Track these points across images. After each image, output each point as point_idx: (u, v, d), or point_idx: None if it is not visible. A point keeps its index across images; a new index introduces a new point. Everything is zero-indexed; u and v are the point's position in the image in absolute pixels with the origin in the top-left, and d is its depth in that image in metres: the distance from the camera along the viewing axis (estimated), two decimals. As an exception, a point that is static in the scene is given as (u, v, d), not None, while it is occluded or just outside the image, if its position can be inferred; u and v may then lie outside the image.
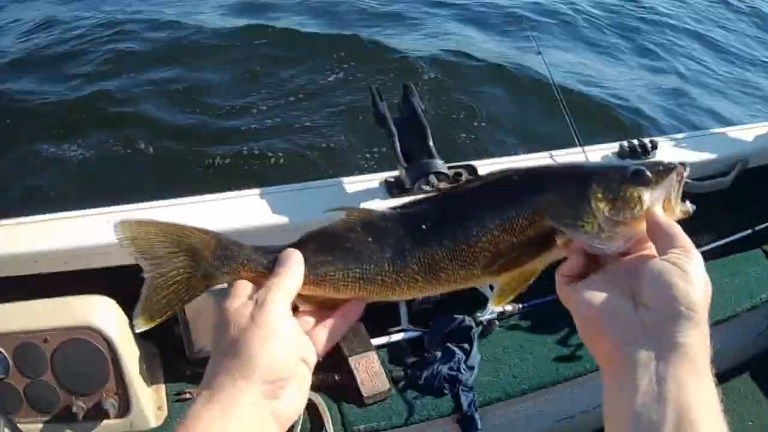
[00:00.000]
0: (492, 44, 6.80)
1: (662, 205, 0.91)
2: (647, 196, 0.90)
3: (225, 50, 5.97)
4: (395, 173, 2.44)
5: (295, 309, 0.95)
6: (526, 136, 5.01)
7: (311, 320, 0.95)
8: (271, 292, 0.88)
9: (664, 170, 0.91)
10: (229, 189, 2.45)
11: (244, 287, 0.92)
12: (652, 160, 1.00)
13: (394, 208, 0.96)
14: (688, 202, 0.92)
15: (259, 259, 0.94)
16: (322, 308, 0.98)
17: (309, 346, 0.92)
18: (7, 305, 1.96)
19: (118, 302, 2.11)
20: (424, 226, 0.95)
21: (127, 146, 4.67)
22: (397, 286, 0.95)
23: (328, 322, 0.96)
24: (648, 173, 0.90)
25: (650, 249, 0.90)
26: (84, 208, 2.26)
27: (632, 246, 0.91)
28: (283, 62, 5.85)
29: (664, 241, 0.86)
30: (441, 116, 5.03)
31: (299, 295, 0.94)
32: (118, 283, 2.14)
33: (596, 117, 5.50)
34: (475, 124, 5.22)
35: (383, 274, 0.94)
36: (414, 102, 2.44)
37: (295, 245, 0.96)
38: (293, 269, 0.92)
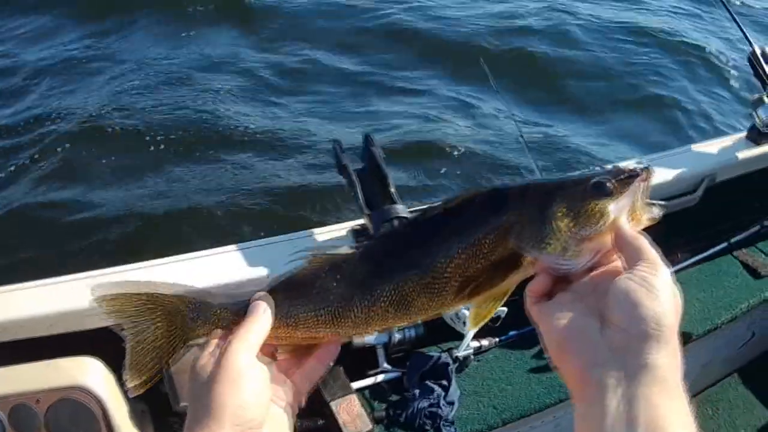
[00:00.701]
0: (448, 83, 7.22)
1: (628, 215, 0.93)
2: (611, 208, 0.91)
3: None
4: (361, 221, 2.71)
5: (274, 356, 1.07)
6: (489, 172, 5.34)
7: (289, 366, 1.06)
8: (236, 339, 0.98)
9: (626, 178, 0.93)
10: (197, 248, 2.68)
11: (215, 340, 1.04)
12: (615, 165, 0.99)
13: (359, 245, 1.04)
14: (656, 207, 0.95)
15: (226, 314, 1.05)
16: (299, 353, 1.07)
17: (286, 390, 1.03)
18: (1, 369, 2.21)
19: (103, 361, 2.35)
20: (390, 260, 0.99)
21: (98, 209, 5.03)
22: (370, 321, 1.00)
23: (306, 365, 1.05)
24: (610, 184, 0.92)
25: (618, 260, 0.93)
26: (63, 273, 2.50)
27: (600, 259, 0.94)
28: (243, 114, 6.28)
29: (630, 255, 0.89)
30: (404, 159, 5.40)
31: (274, 341, 1.04)
32: (101, 343, 2.41)
33: (558, 149, 5.85)
34: (438, 164, 5.64)
35: (354, 312, 0.99)
36: (374, 151, 2.73)
37: (264, 292, 1.06)
38: (259, 316, 1.01)
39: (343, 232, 2.75)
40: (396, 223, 2.66)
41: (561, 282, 0.96)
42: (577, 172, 0.99)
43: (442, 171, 5.50)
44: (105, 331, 2.41)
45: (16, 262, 4.49)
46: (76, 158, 5.61)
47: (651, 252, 0.88)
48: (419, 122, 6.32)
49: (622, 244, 0.91)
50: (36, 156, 5.61)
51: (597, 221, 0.91)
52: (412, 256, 0.98)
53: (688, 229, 3.29)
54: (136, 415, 2.41)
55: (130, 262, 2.60)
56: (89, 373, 2.29)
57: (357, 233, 2.74)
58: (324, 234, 2.75)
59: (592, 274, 0.93)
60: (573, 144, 6.07)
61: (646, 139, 6.68)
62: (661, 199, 2.87)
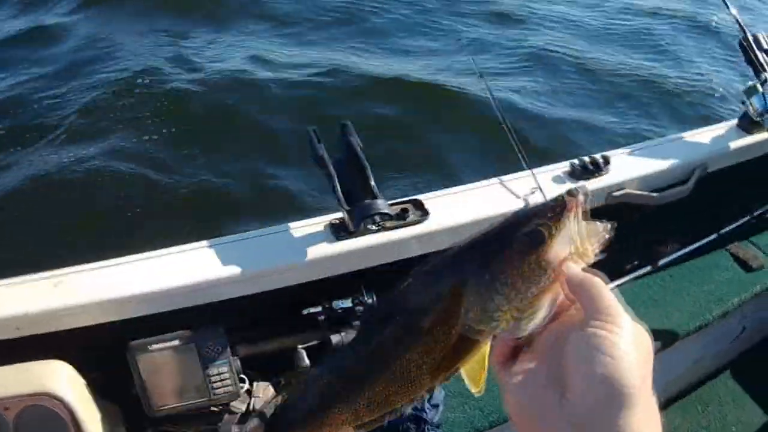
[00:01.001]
0: (428, 67, 7.17)
1: (572, 253, 0.85)
2: (550, 256, 0.84)
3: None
4: (339, 214, 2.70)
5: None
6: (472, 162, 5.34)
7: None
8: None
9: (556, 215, 0.85)
10: (170, 244, 2.67)
11: None
12: (539, 202, 0.89)
13: (324, 362, 1.04)
14: (601, 227, 0.87)
15: None
16: None
17: None
18: None
19: (72, 363, 2.37)
20: (359, 365, 0.98)
21: (64, 204, 5.02)
22: (357, 420, 0.99)
23: None
24: (540, 231, 0.84)
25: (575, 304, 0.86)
26: (28, 272, 2.49)
27: (558, 306, 0.86)
28: (215, 105, 6.25)
29: (585, 304, 0.82)
30: (383, 150, 5.37)
31: None
32: (71, 344, 2.42)
33: (544, 136, 5.87)
34: (419, 154, 5.65)
35: (338, 422, 0.99)
36: (352, 140, 2.69)
37: None
38: None
39: (321, 227, 2.74)
40: (376, 219, 2.65)
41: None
42: (498, 222, 0.90)
43: (424, 160, 5.50)
44: (73, 332, 2.44)
45: None
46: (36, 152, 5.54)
47: (606, 299, 0.80)
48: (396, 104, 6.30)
49: (573, 291, 0.83)
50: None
51: (541, 275, 0.83)
52: (375, 362, 0.95)
53: (679, 220, 3.30)
54: (107, 419, 2.42)
55: (97, 260, 2.58)
56: (58, 378, 2.30)
57: (335, 228, 2.72)
58: (301, 229, 2.74)
59: (550, 326, 0.85)
60: (556, 131, 6.10)
61: (632, 127, 6.68)
62: (653, 191, 2.88)
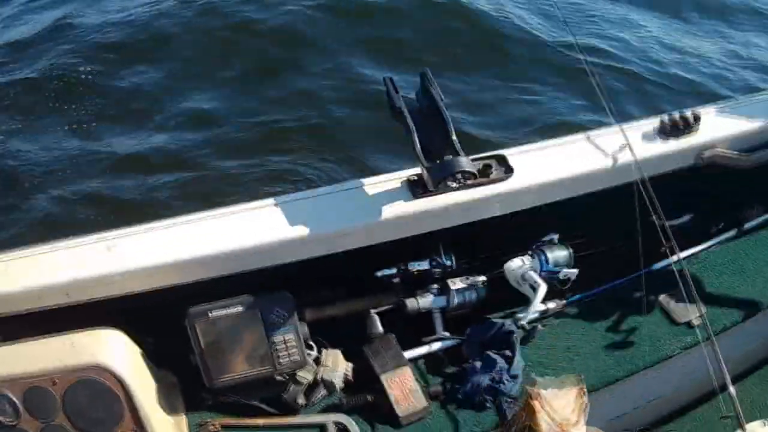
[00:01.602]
0: (509, 14, 6.52)
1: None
2: None
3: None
4: (417, 170, 2.39)
5: None
6: (556, 115, 4.86)
7: None
8: None
9: (529, 418, 0.94)
10: (239, 202, 2.39)
11: None
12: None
13: None
14: (575, 390, 1.01)
15: None
16: None
17: None
18: (12, 347, 1.97)
19: (126, 331, 2.11)
20: None
21: (118, 164, 4.58)
22: None
23: None
24: None
25: None
26: (78, 235, 2.23)
27: None
28: (278, 60, 5.64)
29: None
30: (460, 99, 4.88)
31: None
32: (125, 311, 2.17)
33: (633, 89, 5.30)
34: (499, 105, 5.07)
35: None
36: (433, 92, 2.36)
37: None
38: None
39: (398, 184, 2.42)
40: (458, 176, 2.29)
41: None
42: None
43: (505, 112, 4.98)
44: (128, 298, 2.19)
45: (23, 225, 4.06)
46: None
47: None
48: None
49: None
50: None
51: None
52: None
53: (766, 182, 2.94)
54: (164, 391, 2.15)
55: (151, 221, 2.30)
56: (109, 348, 2.04)
57: (413, 185, 2.41)
58: (376, 186, 2.43)
59: None
60: (647, 84, 5.53)
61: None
62: (742, 151, 2.54)
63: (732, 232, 2.96)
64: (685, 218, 2.97)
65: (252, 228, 2.27)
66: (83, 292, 2.12)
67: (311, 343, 2.32)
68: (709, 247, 2.90)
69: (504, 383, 2.29)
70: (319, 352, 2.35)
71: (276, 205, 2.34)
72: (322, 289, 2.43)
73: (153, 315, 2.17)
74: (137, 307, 2.19)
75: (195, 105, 5.01)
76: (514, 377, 2.32)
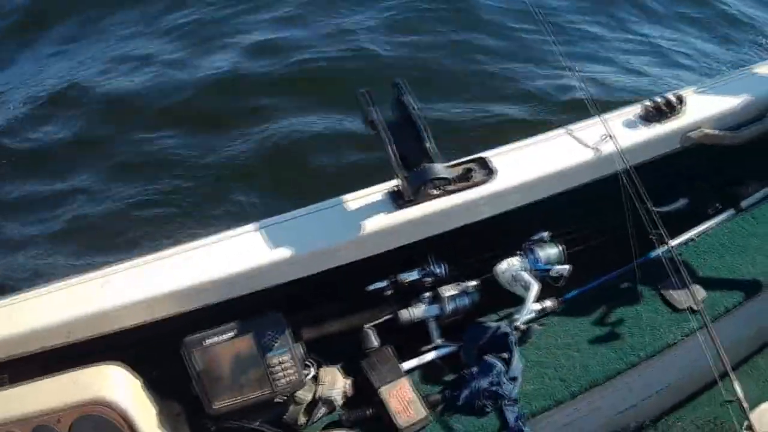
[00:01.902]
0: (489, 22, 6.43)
1: None
2: None
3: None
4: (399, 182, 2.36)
5: None
6: (538, 111, 4.78)
7: None
8: None
9: None
10: (225, 228, 2.39)
11: None
12: None
13: None
14: None
15: None
16: None
17: None
18: (18, 388, 1.99)
19: (127, 364, 2.12)
20: None
21: (109, 198, 4.52)
22: None
23: None
24: None
25: None
26: (73, 274, 2.26)
27: None
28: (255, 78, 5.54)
29: None
30: (440, 106, 4.84)
31: None
32: (124, 345, 2.20)
33: (611, 79, 5.23)
34: (480, 107, 5.01)
35: None
36: (405, 101, 2.34)
37: None
38: None
39: (379, 197, 2.40)
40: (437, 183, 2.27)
41: None
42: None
43: (486, 113, 4.93)
44: (126, 332, 2.21)
45: (20, 268, 4.04)
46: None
47: None
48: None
49: None
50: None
51: None
52: None
53: (759, 158, 2.89)
54: (166, 420, 2.17)
55: (140, 256, 2.31)
56: (111, 383, 2.05)
57: (395, 196, 2.40)
58: (358, 200, 2.42)
59: None
60: (626, 69, 5.48)
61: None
62: (729, 129, 2.49)
63: (729, 212, 2.91)
64: (681, 202, 2.92)
65: (240, 253, 2.28)
66: (83, 329, 2.15)
67: (308, 362, 2.30)
68: (708, 229, 2.85)
69: (502, 386, 2.27)
70: (317, 369, 2.33)
71: (260, 229, 2.34)
72: (315, 307, 2.41)
73: (152, 346, 2.19)
74: (136, 340, 2.21)
75: (167, 143, 4.96)
76: (513, 379, 2.31)
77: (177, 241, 2.35)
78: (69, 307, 2.16)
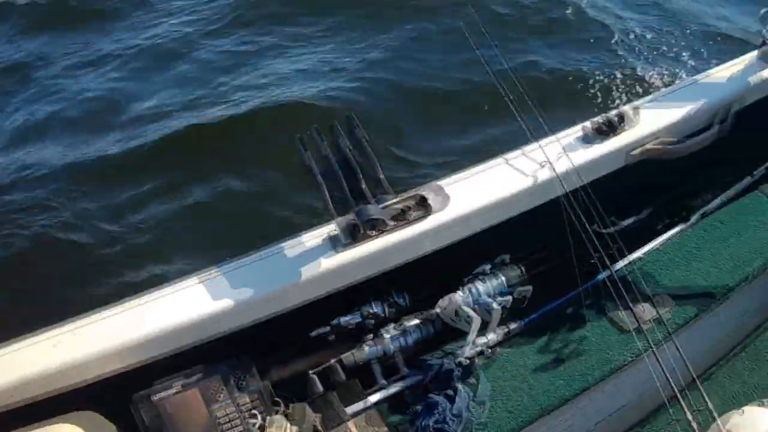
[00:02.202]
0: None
1: None
2: None
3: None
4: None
5: None
6: (475, 141, 4.74)
7: None
8: None
9: None
10: (167, 281, 2.40)
11: None
12: None
13: None
14: None
15: None
16: None
17: None
18: None
19: (102, 413, 2.17)
20: None
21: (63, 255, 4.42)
22: None
23: None
24: None
25: None
26: (43, 326, 2.28)
27: None
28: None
29: None
30: (382, 141, 4.74)
31: None
32: (100, 394, 2.23)
33: (552, 100, 4.99)
34: (419, 139, 4.96)
35: None
36: (340, 143, 2.31)
37: None
38: None
39: (319, 240, 2.37)
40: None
41: None
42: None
43: (425, 145, 4.86)
44: (103, 382, 2.23)
45: None
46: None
47: None
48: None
49: None
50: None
51: None
52: None
53: (708, 169, 2.86)
54: None
55: (91, 312, 2.31)
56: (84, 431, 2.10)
57: (333, 239, 2.39)
58: (297, 247, 2.41)
59: None
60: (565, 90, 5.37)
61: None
62: (676, 142, 2.43)
63: (681, 226, 2.89)
64: (631, 219, 2.89)
65: (183, 305, 2.28)
66: (58, 380, 2.16)
67: (254, 412, 2.25)
68: (658, 245, 2.81)
69: (448, 423, 2.26)
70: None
71: (204, 280, 2.35)
72: (263, 354, 2.38)
73: (123, 394, 2.20)
74: (110, 388, 2.22)
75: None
76: (457, 416, 2.29)
77: (122, 296, 2.36)
78: (43, 358, 2.17)
